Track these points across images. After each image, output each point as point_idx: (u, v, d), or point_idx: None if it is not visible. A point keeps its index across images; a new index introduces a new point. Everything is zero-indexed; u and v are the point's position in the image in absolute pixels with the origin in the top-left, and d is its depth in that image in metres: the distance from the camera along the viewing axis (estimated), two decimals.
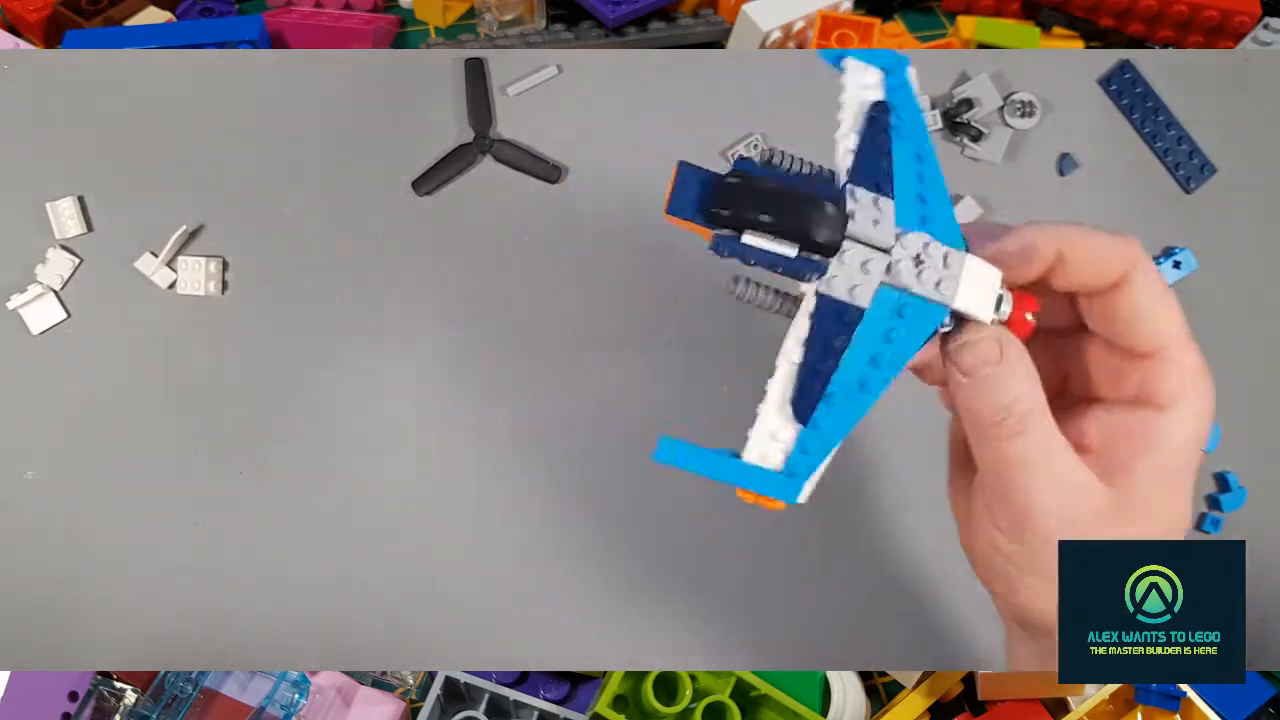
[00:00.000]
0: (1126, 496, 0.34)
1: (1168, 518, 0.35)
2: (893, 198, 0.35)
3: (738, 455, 0.34)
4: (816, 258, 0.34)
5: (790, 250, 0.34)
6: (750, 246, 0.34)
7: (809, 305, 0.34)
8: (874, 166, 0.35)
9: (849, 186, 0.35)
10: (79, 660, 0.59)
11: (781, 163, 0.36)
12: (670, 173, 0.36)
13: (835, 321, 0.34)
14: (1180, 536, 0.35)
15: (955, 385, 0.35)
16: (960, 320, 0.35)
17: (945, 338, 0.35)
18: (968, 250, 0.35)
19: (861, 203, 0.34)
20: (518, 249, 0.66)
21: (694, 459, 0.34)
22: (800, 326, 0.34)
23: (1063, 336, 0.38)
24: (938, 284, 0.34)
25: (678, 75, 0.70)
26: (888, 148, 0.35)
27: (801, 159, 0.36)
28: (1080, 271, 0.35)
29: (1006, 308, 0.35)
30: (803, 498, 0.34)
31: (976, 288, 0.34)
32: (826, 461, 0.34)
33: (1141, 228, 0.68)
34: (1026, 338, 0.35)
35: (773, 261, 0.34)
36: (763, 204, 0.34)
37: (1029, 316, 0.35)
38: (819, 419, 0.34)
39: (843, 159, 0.35)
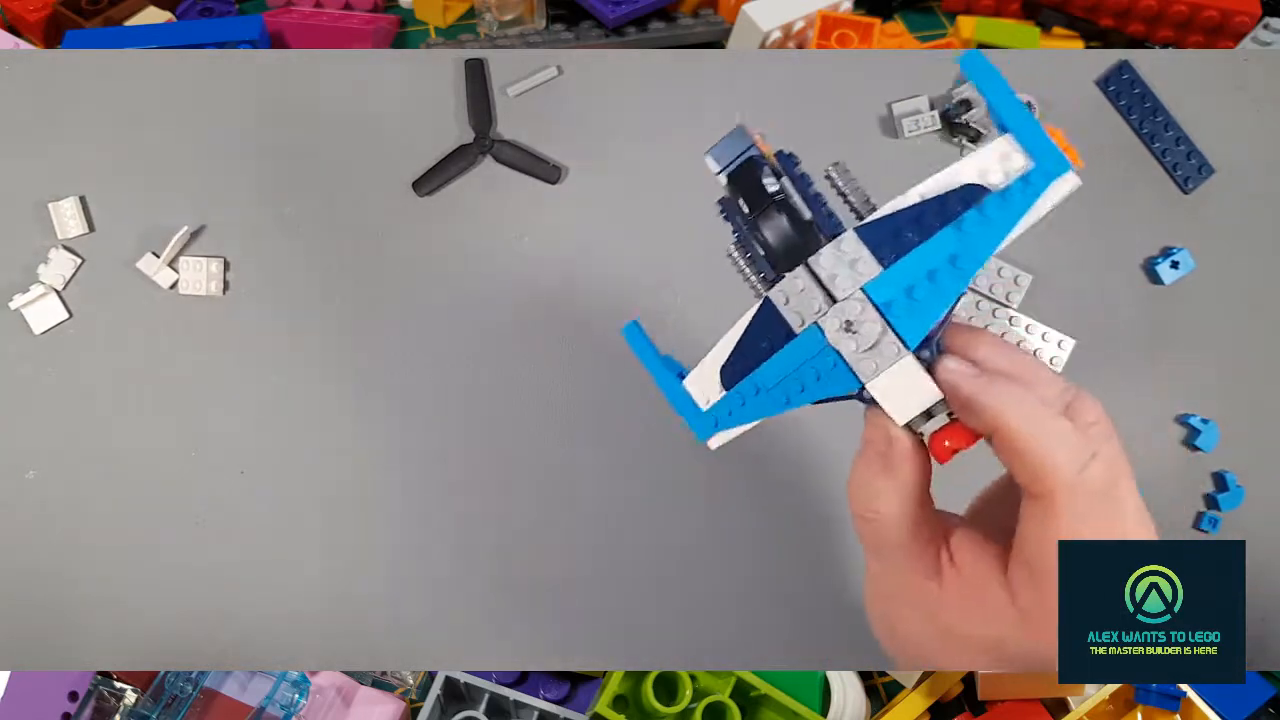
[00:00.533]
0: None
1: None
2: (884, 268, 0.34)
3: (683, 375, 0.38)
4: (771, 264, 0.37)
5: (759, 246, 0.37)
6: (739, 222, 0.37)
7: (759, 302, 0.36)
8: (893, 233, 0.34)
9: (848, 231, 0.35)
10: (79, 660, 0.59)
11: (833, 179, 0.36)
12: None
13: (765, 327, 0.36)
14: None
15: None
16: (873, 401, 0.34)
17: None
18: (931, 357, 0.34)
19: (842, 249, 0.35)
20: (518, 249, 0.66)
21: (646, 354, 0.39)
22: (749, 315, 0.37)
23: None
24: (854, 357, 0.34)
25: (678, 75, 0.70)
26: (932, 232, 0.34)
27: (858, 187, 0.36)
28: (1005, 460, 0.32)
29: (932, 426, 0.34)
30: (713, 444, 0.37)
31: (901, 387, 0.34)
32: (746, 427, 0.37)
33: (1139, 228, 0.68)
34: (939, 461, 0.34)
35: (749, 247, 0.37)
36: (754, 198, 0.37)
37: (950, 446, 0.33)
38: (738, 393, 0.36)
39: (881, 207, 0.35)
